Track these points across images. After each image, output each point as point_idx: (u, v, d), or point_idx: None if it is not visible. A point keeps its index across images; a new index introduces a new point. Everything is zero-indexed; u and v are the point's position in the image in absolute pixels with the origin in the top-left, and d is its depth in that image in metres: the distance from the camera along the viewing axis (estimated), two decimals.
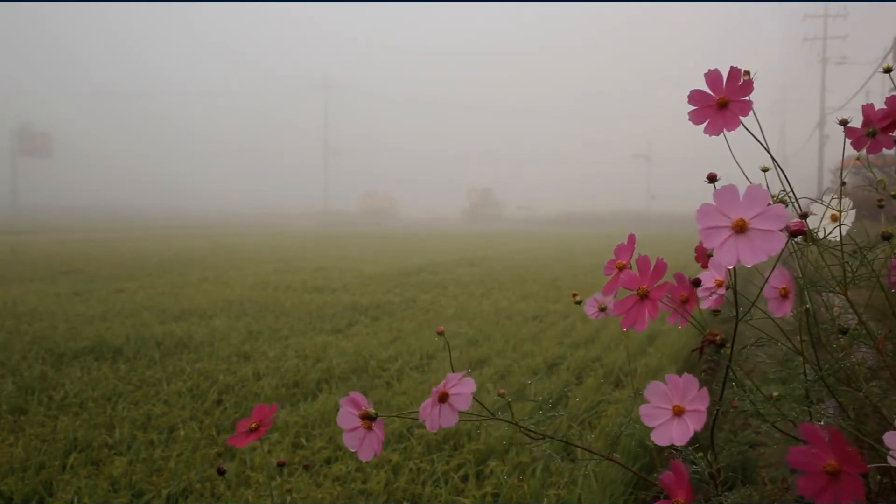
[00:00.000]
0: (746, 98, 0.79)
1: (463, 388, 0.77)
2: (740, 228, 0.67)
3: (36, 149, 56.43)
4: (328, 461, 2.58)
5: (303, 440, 2.78)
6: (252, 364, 3.99)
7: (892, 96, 0.92)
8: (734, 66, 0.79)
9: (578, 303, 1.05)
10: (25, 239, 18.16)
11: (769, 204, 0.67)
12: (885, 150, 0.94)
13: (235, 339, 4.71)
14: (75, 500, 2.25)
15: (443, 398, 0.77)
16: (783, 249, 0.78)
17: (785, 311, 0.80)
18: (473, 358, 4.18)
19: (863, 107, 0.94)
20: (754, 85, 0.79)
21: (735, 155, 0.89)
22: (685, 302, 0.85)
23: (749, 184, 0.69)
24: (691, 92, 0.80)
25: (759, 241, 0.67)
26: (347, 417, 0.80)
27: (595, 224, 38.93)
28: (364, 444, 0.79)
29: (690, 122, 0.81)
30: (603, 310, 1.04)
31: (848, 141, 0.95)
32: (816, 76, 35.15)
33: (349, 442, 0.80)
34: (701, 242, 0.91)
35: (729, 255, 0.68)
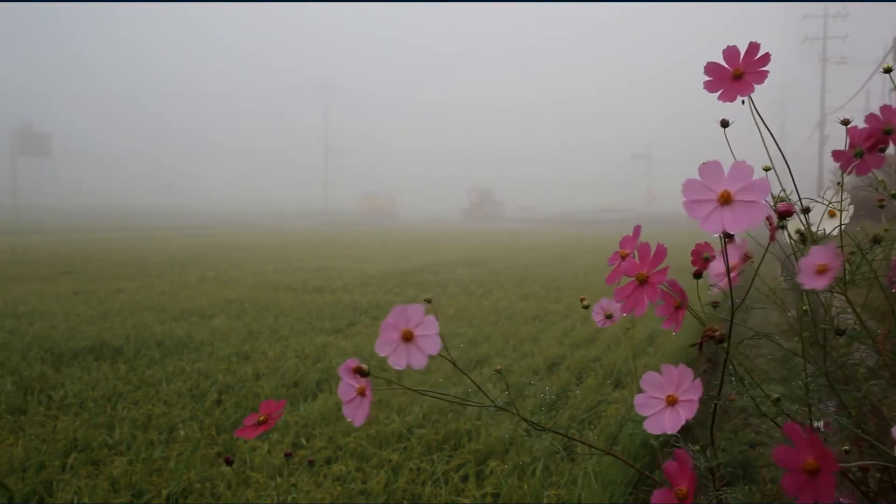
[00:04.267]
0: (763, 68, 0.80)
1: (428, 329, 0.75)
2: (725, 200, 0.69)
3: (36, 148, 56.36)
4: (328, 461, 2.58)
5: (303, 440, 2.79)
6: (252, 364, 3.99)
7: (872, 115, 0.94)
8: (754, 41, 0.80)
9: (586, 307, 1.05)
10: (25, 239, 18.16)
11: (753, 178, 0.69)
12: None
13: (235, 339, 4.71)
14: (75, 500, 2.25)
15: (407, 337, 0.75)
16: (789, 248, 0.78)
17: (817, 285, 0.79)
18: (473, 358, 4.19)
19: (849, 130, 0.95)
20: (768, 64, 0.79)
21: (735, 154, 0.90)
22: (678, 308, 0.86)
23: (735, 160, 0.71)
24: (708, 64, 0.82)
25: (742, 211, 0.69)
26: (346, 389, 0.81)
27: (595, 224, 38.93)
28: (358, 411, 0.80)
29: (705, 90, 0.81)
30: (609, 317, 1.04)
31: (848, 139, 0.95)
32: (816, 76, 35.15)
33: (348, 412, 0.81)
34: (696, 247, 0.92)
35: (714, 224, 0.70)
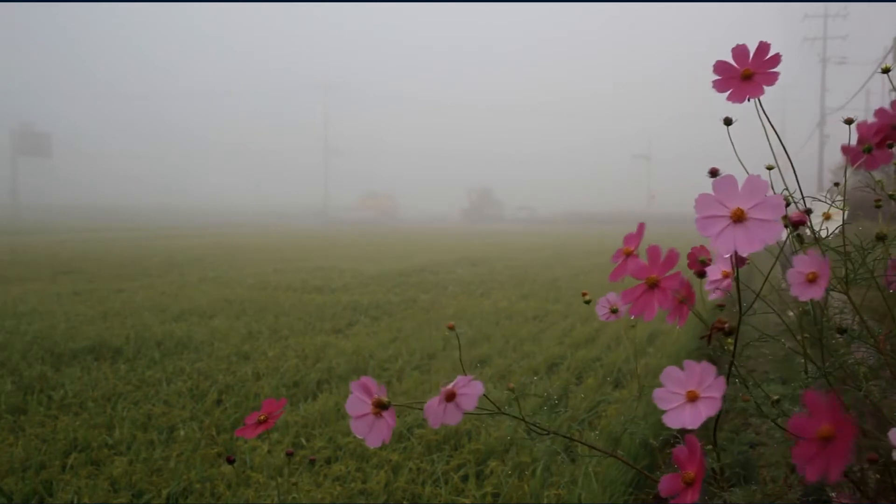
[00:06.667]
0: (773, 70, 0.78)
1: (471, 390, 0.77)
2: (738, 218, 0.67)
3: (36, 148, 56.28)
4: (328, 461, 2.58)
5: (303, 440, 2.78)
6: (252, 364, 3.99)
7: (881, 109, 0.93)
8: (764, 40, 0.79)
9: (588, 302, 1.04)
10: (25, 239, 18.15)
11: (767, 194, 0.67)
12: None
13: (235, 339, 4.71)
14: (75, 500, 2.25)
15: (450, 397, 0.77)
16: (785, 243, 0.77)
17: (813, 295, 0.78)
18: (474, 358, 4.18)
19: (857, 125, 0.94)
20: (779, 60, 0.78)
21: (735, 154, 0.90)
22: (683, 302, 0.85)
23: (748, 174, 0.69)
24: (717, 62, 0.80)
25: (756, 230, 0.67)
26: (357, 404, 0.77)
27: (595, 224, 38.92)
28: (373, 432, 0.76)
29: (714, 90, 0.80)
30: (614, 311, 1.03)
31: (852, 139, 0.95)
32: (816, 76, 35.13)
33: (357, 429, 0.77)
34: (693, 250, 0.91)
35: (726, 243, 0.68)
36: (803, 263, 0.79)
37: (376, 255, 13.06)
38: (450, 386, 0.78)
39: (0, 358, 4.03)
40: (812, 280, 0.78)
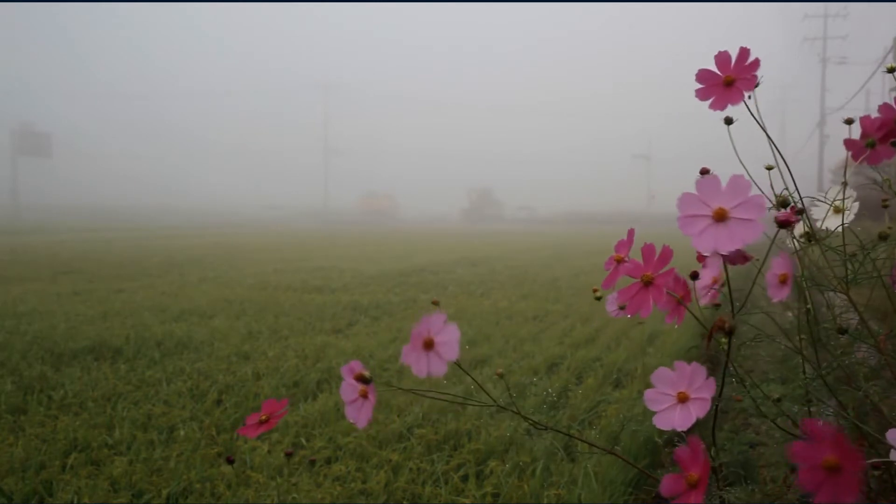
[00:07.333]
0: (752, 75, 0.80)
1: (448, 336, 0.74)
2: (720, 217, 0.68)
3: (36, 148, 56.19)
4: (328, 461, 2.58)
5: (303, 440, 2.79)
6: (252, 364, 3.99)
7: (885, 104, 0.93)
8: (744, 46, 0.80)
9: (598, 298, 1.04)
10: (25, 239, 18.15)
11: (750, 194, 0.68)
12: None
13: (235, 339, 4.71)
14: (75, 500, 2.25)
15: (428, 345, 0.74)
16: (784, 245, 0.77)
17: (782, 296, 0.80)
18: (473, 358, 4.19)
19: (861, 119, 0.94)
20: (760, 63, 0.80)
21: (736, 154, 0.90)
22: (680, 302, 0.85)
23: (733, 174, 0.70)
24: (699, 71, 0.82)
25: (737, 229, 0.67)
26: (349, 390, 0.80)
27: (595, 224, 38.93)
28: (360, 413, 0.79)
29: (696, 98, 0.81)
30: (623, 308, 1.03)
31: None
32: (816, 76, 35.14)
33: (350, 414, 0.80)
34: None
35: (707, 242, 0.69)
36: (777, 265, 0.80)
37: (376, 255, 13.06)
38: (422, 330, 0.75)
39: (0, 358, 4.03)
40: (783, 281, 0.79)
